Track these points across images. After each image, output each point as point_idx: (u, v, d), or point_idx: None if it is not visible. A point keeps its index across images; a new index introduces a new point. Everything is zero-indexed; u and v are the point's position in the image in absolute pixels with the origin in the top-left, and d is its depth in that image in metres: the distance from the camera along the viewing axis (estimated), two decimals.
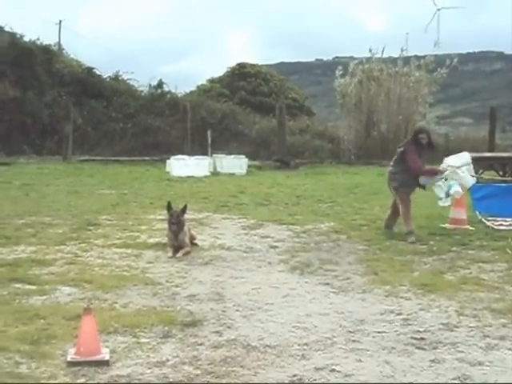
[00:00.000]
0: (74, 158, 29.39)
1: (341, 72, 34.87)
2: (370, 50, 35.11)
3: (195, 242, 10.14)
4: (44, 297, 7.01)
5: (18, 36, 35.86)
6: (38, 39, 36.58)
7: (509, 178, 18.02)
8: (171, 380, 4.85)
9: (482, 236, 11.20)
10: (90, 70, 37.20)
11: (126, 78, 38.60)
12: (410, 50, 35.80)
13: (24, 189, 17.94)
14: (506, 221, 12.17)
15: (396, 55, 35.80)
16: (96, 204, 14.84)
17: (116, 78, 38.18)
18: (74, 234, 10.96)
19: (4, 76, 32.47)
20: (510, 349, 5.61)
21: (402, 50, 35.06)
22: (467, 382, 4.90)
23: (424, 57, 35.34)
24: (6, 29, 36.86)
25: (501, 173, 21.10)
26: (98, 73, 37.55)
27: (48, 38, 39.30)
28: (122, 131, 34.17)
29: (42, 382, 4.76)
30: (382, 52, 34.98)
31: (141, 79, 39.15)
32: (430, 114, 43.61)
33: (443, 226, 12.01)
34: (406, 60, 34.87)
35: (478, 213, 12.70)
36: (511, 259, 9.21)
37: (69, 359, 5.09)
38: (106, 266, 8.65)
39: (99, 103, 35.06)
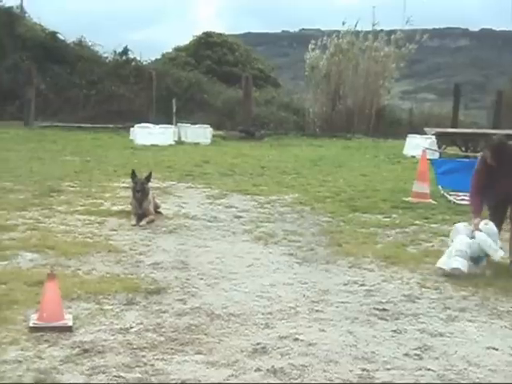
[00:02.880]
0: (36, 123, 28.90)
1: (313, 47, 34.75)
2: (344, 23, 34.97)
3: (159, 210, 10.10)
4: (5, 262, 6.93)
5: None
6: (0, 1, 35.73)
7: (471, 154, 18.21)
8: (135, 346, 4.84)
9: (445, 210, 11.34)
10: (53, 34, 36.39)
11: (90, 44, 37.93)
12: (379, 25, 35.76)
13: None
14: (467, 195, 12.30)
15: (364, 29, 35.72)
16: (59, 170, 14.64)
17: (80, 43, 37.45)
18: (36, 200, 10.81)
19: None
20: (469, 320, 5.71)
21: (374, 25, 35.02)
22: (428, 352, 4.97)
23: (392, 31, 35.31)
24: None
25: (463, 148, 21.42)
26: (61, 38, 36.79)
27: (10, 1, 38.42)
28: (85, 98, 33.59)
29: (3, 346, 4.71)
30: (356, 26, 34.87)
31: (106, 46, 38.41)
32: (395, 89, 43.80)
33: (406, 199, 12.13)
34: (375, 34, 34.83)
35: (440, 187, 12.84)
36: None
37: (31, 325, 5.05)
38: (69, 232, 8.58)
39: (63, 69, 34.37)
